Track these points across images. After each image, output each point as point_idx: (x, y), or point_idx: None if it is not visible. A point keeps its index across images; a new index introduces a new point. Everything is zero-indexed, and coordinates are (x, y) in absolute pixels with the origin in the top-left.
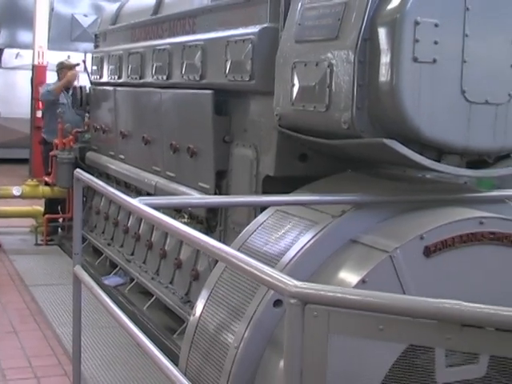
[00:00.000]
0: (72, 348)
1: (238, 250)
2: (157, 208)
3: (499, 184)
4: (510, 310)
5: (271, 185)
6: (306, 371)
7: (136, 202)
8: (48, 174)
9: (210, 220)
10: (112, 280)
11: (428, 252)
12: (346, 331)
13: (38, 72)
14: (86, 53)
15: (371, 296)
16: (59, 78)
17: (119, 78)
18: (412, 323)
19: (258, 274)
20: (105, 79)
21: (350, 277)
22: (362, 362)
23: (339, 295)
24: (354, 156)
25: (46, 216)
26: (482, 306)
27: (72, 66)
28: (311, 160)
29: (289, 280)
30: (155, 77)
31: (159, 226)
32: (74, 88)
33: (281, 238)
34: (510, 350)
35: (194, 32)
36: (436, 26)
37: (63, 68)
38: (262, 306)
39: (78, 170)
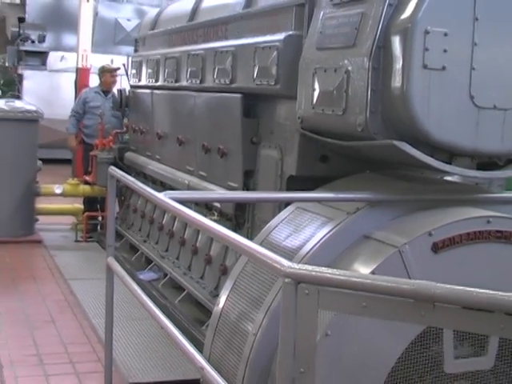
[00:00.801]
0: (105, 335)
1: (261, 243)
2: (181, 202)
3: None
4: (477, 292)
5: (294, 184)
6: (299, 343)
7: (162, 196)
8: (88, 174)
9: (238, 217)
10: (147, 275)
11: (436, 248)
12: (333, 307)
13: (81, 75)
14: (128, 56)
15: (356, 276)
16: (101, 82)
17: (156, 81)
18: (391, 301)
19: (260, 256)
20: (143, 82)
21: (361, 269)
22: (371, 352)
23: (328, 275)
24: (369, 157)
25: (86, 214)
26: (454, 287)
27: (112, 70)
28: (331, 161)
29: (285, 262)
30: (189, 81)
31: (179, 216)
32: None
33: (300, 232)
34: (475, 326)
35: (225, 38)
36: (445, 35)
37: (104, 72)
38: (279, 297)
39: (111, 167)
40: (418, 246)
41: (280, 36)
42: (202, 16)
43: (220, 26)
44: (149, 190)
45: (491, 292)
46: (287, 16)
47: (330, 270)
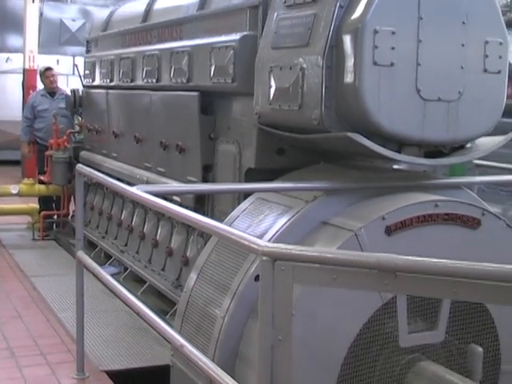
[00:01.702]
0: (76, 324)
1: None
2: (154, 195)
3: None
4: (433, 261)
5: (253, 177)
6: (277, 314)
7: (135, 190)
8: (43, 173)
9: (198, 210)
10: (107, 270)
11: (389, 231)
12: (306, 281)
13: (28, 76)
14: (74, 56)
15: (325, 252)
16: (44, 84)
17: (111, 81)
18: (358, 273)
19: (239, 239)
20: (97, 82)
21: None
22: (332, 330)
23: (301, 252)
24: (325, 149)
25: (43, 213)
26: (413, 258)
27: (46, 71)
28: (288, 153)
29: (262, 242)
30: (145, 80)
31: (155, 207)
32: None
33: (261, 221)
34: (432, 291)
35: (181, 39)
36: (393, 33)
37: (42, 74)
38: (244, 281)
39: (79, 164)
40: (373, 230)
41: (236, 36)
42: (155, 17)
43: (175, 27)
44: (120, 185)
45: (444, 261)
46: (242, 17)
47: (303, 248)
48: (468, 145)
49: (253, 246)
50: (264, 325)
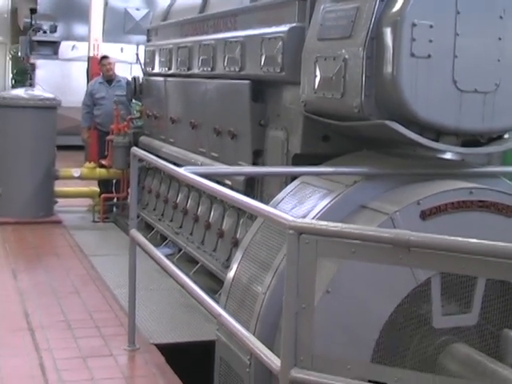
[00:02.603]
0: (128, 300)
1: None
2: (200, 176)
3: None
4: (442, 237)
5: (299, 162)
6: (301, 284)
7: (182, 170)
8: (104, 158)
9: (248, 193)
10: (162, 251)
11: (424, 215)
12: (328, 254)
13: (93, 63)
14: (138, 45)
15: (346, 227)
16: (101, 71)
17: (169, 69)
18: (374, 247)
19: (269, 214)
20: (156, 70)
21: None
22: (366, 310)
23: (324, 227)
24: (366, 136)
25: (103, 195)
26: (426, 234)
27: (102, 59)
28: (333, 140)
29: (289, 217)
30: (201, 68)
31: (198, 186)
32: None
33: (304, 203)
34: (441, 266)
35: (234, 29)
36: (431, 26)
37: (100, 63)
38: (285, 259)
39: (134, 147)
40: (408, 214)
41: (285, 28)
42: (211, 8)
43: (229, 18)
44: (170, 166)
45: (453, 238)
46: (291, 9)
47: (325, 223)
48: (506, 135)
49: (281, 220)
50: (289, 294)
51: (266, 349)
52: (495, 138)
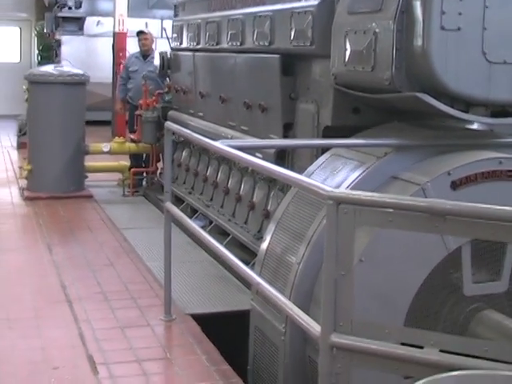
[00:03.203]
0: (164, 271)
1: None
2: (235, 148)
3: None
4: (475, 205)
5: (330, 134)
6: (340, 252)
7: (218, 144)
8: (133, 132)
9: (279, 166)
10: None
11: (454, 186)
12: (366, 223)
13: (118, 39)
14: (162, 19)
15: (383, 197)
16: (139, 46)
17: (198, 44)
18: (411, 216)
19: (307, 185)
20: (184, 45)
21: None
22: (399, 277)
23: (362, 197)
24: (397, 108)
25: (133, 170)
26: (460, 203)
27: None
28: (363, 112)
29: (327, 188)
30: (230, 43)
31: (236, 160)
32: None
33: (335, 175)
34: (474, 233)
35: (263, 3)
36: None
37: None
38: (318, 230)
39: (168, 122)
40: (439, 184)
41: (314, 2)
42: None
43: None
44: (205, 140)
45: (486, 206)
46: None
47: (363, 193)
48: None
49: (320, 191)
50: (329, 261)
51: (306, 315)
52: None
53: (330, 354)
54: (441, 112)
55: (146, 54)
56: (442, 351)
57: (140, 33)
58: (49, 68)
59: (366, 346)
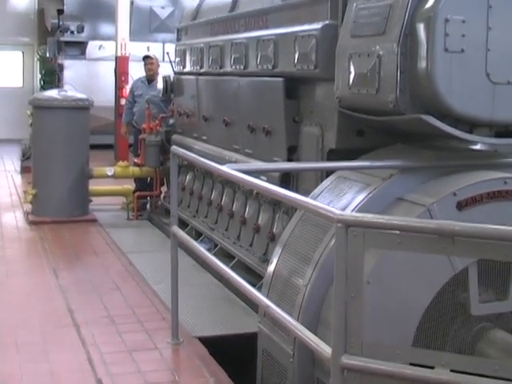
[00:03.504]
0: (171, 294)
1: None
2: (242, 172)
3: None
4: (483, 226)
5: (334, 157)
6: (349, 274)
7: (225, 168)
8: (137, 156)
9: (284, 189)
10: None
11: (460, 206)
12: (375, 245)
13: (121, 63)
14: (164, 43)
15: (392, 219)
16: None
17: (201, 67)
18: (420, 238)
19: (317, 209)
20: (187, 69)
21: None
22: (406, 298)
23: (371, 220)
24: (401, 130)
25: (137, 193)
26: (468, 224)
27: (143, 58)
28: (367, 135)
29: (336, 211)
30: (233, 67)
31: (244, 184)
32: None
33: (341, 197)
34: (483, 253)
35: (266, 27)
36: (463, 21)
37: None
38: (325, 252)
39: (173, 146)
40: (444, 205)
41: (318, 25)
42: (242, 7)
43: (261, 16)
44: (213, 164)
45: (495, 226)
46: (323, 7)
47: (372, 215)
48: None
49: (329, 214)
50: (339, 284)
51: (316, 337)
52: None
53: (341, 376)
54: (445, 133)
55: (151, 78)
56: (452, 371)
57: (146, 57)
58: (53, 93)
59: (376, 367)
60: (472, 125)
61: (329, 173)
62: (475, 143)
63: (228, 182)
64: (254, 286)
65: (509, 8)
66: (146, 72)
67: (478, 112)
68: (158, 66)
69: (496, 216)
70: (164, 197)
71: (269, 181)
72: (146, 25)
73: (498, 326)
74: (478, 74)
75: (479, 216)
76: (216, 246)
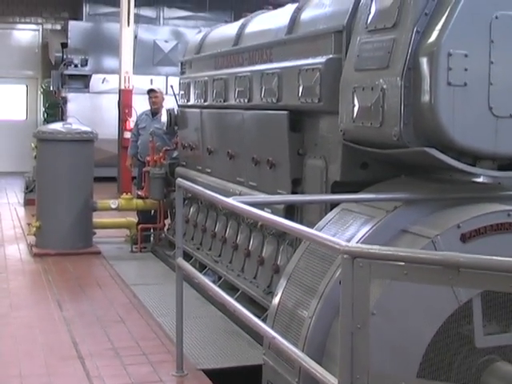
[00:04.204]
0: (176, 326)
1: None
2: (248, 205)
3: None
4: (488, 258)
5: (339, 189)
6: (356, 305)
7: (231, 200)
8: (141, 188)
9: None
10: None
11: (464, 238)
12: (382, 276)
13: (124, 96)
14: (167, 76)
15: (398, 250)
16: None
17: (205, 101)
18: (425, 269)
19: (323, 240)
20: (191, 102)
21: None
22: (410, 330)
23: (377, 251)
24: (405, 163)
25: (141, 226)
26: (473, 255)
27: (148, 92)
28: (371, 167)
29: (343, 242)
30: (237, 100)
31: (250, 216)
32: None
33: (345, 230)
34: (489, 285)
35: (270, 61)
36: (466, 56)
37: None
38: (330, 284)
39: (179, 179)
40: (449, 237)
41: (322, 59)
42: (246, 41)
43: (265, 50)
44: (218, 196)
45: (500, 258)
46: (327, 41)
47: (378, 247)
48: None
49: (335, 246)
50: (345, 315)
51: (322, 369)
52: None
53: None
54: (448, 166)
55: (155, 111)
56: None
57: (151, 91)
58: (57, 125)
59: None
60: (475, 158)
61: (333, 205)
62: (478, 176)
63: (232, 215)
64: (258, 318)
65: (511, 43)
66: (150, 105)
67: (481, 145)
68: (163, 99)
69: (500, 248)
70: (168, 229)
71: (273, 213)
72: (149, 58)
73: (503, 358)
74: (481, 108)
75: (483, 248)
76: (220, 278)
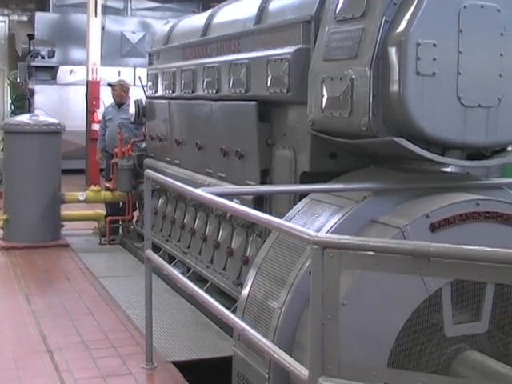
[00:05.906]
0: (145, 318)
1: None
2: (216, 195)
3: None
4: (458, 247)
5: (307, 180)
6: (326, 295)
7: (200, 191)
8: (109, 180)
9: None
10: None
11: (433, 228)
12: (352, 266)
13: (92, 87)
14: (135, 67)
15: (368, 241)
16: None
17: (173, 92)
18: (396, 259)
19: (293, 231)
20: (160, 93)
21: None
22: (380, 320)
23: (347, 241)
24: (373, 153)
25: (109, 218)
26: (444, 245)
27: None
28: (340, 157)
29: (312, 233)
30: (206, 91)
31: (219, 207)
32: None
33: (315, 220)
34: (459, 274)
35: (238, 51)
36: (434, 45)
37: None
38: (299, 275)
39: (147, 170)
40: (418, 227)
41: (290, 49)
42: (214, 31)
43: (233, 41)
44: (187, 187)
45: (469, 247)
46: (296, 31)
47: (348, 237)
48: (509, 148)
49: (305, 236)
50: (315, 305)
51: (293, 359)
52: (498, 150)
53: None
54: (417, 156)
55: (120, 103)
56: None
57: (112, 84)
58: (24, 117)
59: None
60: (444, 147)
61: (302, 196)
62: (447, 165)
63: (201, 206)
64: (228, 309)
65: (479, 32)
66: (113, 98)
67: (450, 135)
68: (127, 90)
69: (469, 237)
70: (136, 221)
71: (242, 204)
72: (117, 49)
73: (472, 347)
74: (450, 98)
75: (452, 237)
76: (189, 270)
